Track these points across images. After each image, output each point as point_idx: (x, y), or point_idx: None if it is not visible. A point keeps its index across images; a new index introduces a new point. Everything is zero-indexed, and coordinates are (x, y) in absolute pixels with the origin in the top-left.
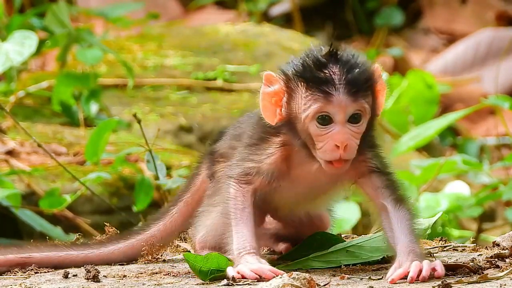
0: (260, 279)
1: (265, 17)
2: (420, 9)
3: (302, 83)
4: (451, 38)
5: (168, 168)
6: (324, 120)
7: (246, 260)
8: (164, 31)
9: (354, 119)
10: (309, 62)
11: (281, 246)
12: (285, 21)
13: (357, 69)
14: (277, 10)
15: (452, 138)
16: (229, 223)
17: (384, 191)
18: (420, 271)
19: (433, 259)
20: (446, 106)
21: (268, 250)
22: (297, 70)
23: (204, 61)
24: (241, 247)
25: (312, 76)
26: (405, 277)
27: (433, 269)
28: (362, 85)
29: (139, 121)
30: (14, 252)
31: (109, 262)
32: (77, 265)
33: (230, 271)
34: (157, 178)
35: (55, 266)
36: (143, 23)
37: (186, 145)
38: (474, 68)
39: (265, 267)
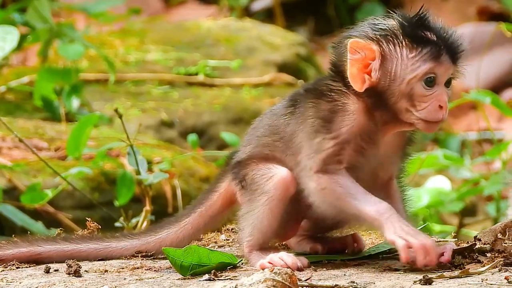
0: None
1: (247, 12)
2: (402, 4)
3: (407, 44)
4: None
5: (149, 163)
6: (431, 81)
7: (397, 221)
8: (145, 26)
9: (448, 83)
10: (410, 22)
11: (316, 246)
12: (267, 16)
13: (455, 34)
14: (258, 5)
15: (433, 133)
16: (344, 202)
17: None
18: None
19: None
20: None
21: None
22: (399, 30)
23: (186, 56)
24: (381, 210)
25: (418, 35)
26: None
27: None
28: (462, 49)
29: (120, 116)
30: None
31: (114, 258)
32: (85, 259)
33: (391, 238)
34: (138, 173)
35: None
36: (125, 18)
37: (168, 140)
38: None
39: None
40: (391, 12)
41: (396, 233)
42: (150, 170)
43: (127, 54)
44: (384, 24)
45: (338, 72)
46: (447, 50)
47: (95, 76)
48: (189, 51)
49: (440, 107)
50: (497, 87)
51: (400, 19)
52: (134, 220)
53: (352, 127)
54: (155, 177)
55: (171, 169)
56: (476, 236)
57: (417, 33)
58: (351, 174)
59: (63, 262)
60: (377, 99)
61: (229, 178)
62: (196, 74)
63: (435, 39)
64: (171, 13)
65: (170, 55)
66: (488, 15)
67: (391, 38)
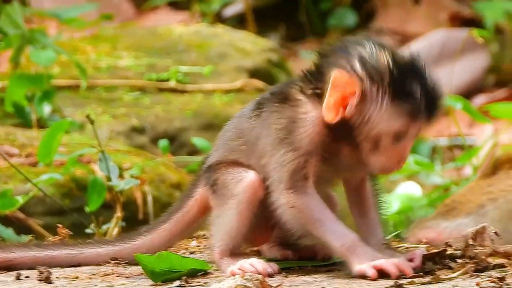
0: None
1: (218, 18)
2: (373, 10)
3: (390, 92)
4: (404, 39)
5: (120, 169)
6: (400, 137)
7: (362, 253)
8: (117, 32)
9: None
10: (399, 67)
11: (286, 252)
12: (238, 22)
13: (437, 87)
14: (230, 11)
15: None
16: (311, 227)
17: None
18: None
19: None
20: None
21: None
22: (386, 74)
23: (157, 62)
24: (346, 244)
25: (403, 87)
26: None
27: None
28: (440, 108)
29: (92, 122)
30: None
31: (89, 264)
32: (61, 265)
33: (358, 268)
34: (109, 179)
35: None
36: (97, 24)
37: (139, 146)
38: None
39: (383, 260)
40: (382, 44)
41: (362, 262)
42: (121, 176)
43: (98, 60)
44: (373, 61)
45: (308, 80)
46: (426, 109)
47: (67, 82)
48: (161, 57)
49: (398, 162)
50: (468, 93)
51: (390, 60)
52: (105, 227)
53: (312, 138)
54: (126, 183)
55: (142, 175)
56: (447, 242)
57: (403, 84)
58: (319, 184)
59: (34, 268)
60: (344, 131)
61: (203, 184)
62: (168, 80)
63: (418, 95)
64: (143, 19)
65: (141, 61)
66: (460, 20)
67: (376, 81)
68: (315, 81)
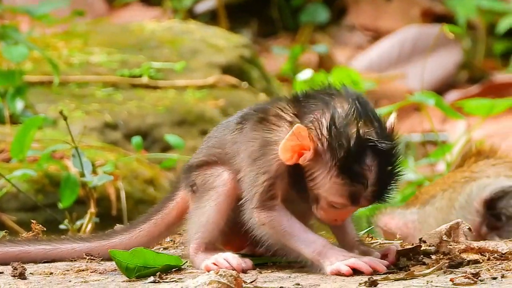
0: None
1: (191, 14)
2: (345, 6)
3: (340, 166)
4: (376, 35)
5: (94, 165)
6: (337, 208)
7: (333, 254)
8: (89, 28)
9: None
10: (354, 147)
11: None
12: (210, 18)
13: (393, 177)
14: (202, 7)
15: None
16: (283, 240)
17: None
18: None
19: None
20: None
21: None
22: (338, 147)
23: (130, 58)
24: (317, 249)
25: (350, 167)
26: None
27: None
28: (388, 197)
29: (65, 118)
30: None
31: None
32: (36, 261)
33: (330, 269)
34: (83, 175)
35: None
36: (69, 21)
37: (112, 142)
38: (399, 65)
39: (357, 260)
40: (363, 111)
41: (332, 263)
42: (94, 172)
43: (71, 56)
44: (340, 129)
45: (289, 105)
46: (371, 196)
47: (39, 78)
48: (133, 53)
49: (335, 220)
50: (441, 89)
51: (355, 136)
52: (78, 222)
53: (280, 164)
54: (100, 179)
55: (115, 171)
56: (421, 238)
57: (356, 165)
58: (288, 206)
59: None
60: (301, 172)
61: (183, 185)
62: (140, 76)
63: (365, 183)
64: (115, 15)
65: (114, 57)
66: (431, 16)
67: (333, 149)
68: (294, 109)
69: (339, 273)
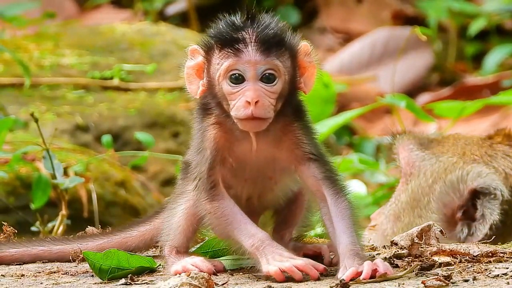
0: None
1: (161, 16)
2: (316, 8)
3: (217, 45)
4: (347, 37)
5: (65, 167)
6: (237, 79)
7: (270, 252)
8: (60, 30)
9: (267, 78)
10: (224, 25)
11: None
12: (181, 20)
13: (270, 30)
14: (173, 9)
15: (348, 137)
16: (226, 230)
17: (323, 182)
18: (369, 270)
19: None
20: (342, 105)
21: None
22: (213, 34)
23: (101, 60)
24: (256, 243)
25: (225, 37)
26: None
27: (375, 270)
28: (273, 44)
29: (36, 120)
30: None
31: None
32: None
33: (266, 269)
34: (54, 177)
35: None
36: (39, 22)
37: (83, 144)
38: (371, 67)
39: (298, 260)
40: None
41: (269, 263)
42: (65, 174)
43: (42, 58)
44: (213, 29)
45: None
46: (252, 45)
47: (10, 80)
48: (104, 55)
49: (248, 103)
50: (412, 91)
51: (222, 22)
52: (50, 224)
53: (213, 144)
54: (71, 181)
55: (87, 173)
56: (393, 240)
57: (225, 34)
58: (236, 192)
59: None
60: (213, 105)
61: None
62: (111, 78)
63: (242, 37)
64: (85, 17)
65: (85, 59)
66: (402, 19)
67: (210, 43)
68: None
69: (270, 274)
